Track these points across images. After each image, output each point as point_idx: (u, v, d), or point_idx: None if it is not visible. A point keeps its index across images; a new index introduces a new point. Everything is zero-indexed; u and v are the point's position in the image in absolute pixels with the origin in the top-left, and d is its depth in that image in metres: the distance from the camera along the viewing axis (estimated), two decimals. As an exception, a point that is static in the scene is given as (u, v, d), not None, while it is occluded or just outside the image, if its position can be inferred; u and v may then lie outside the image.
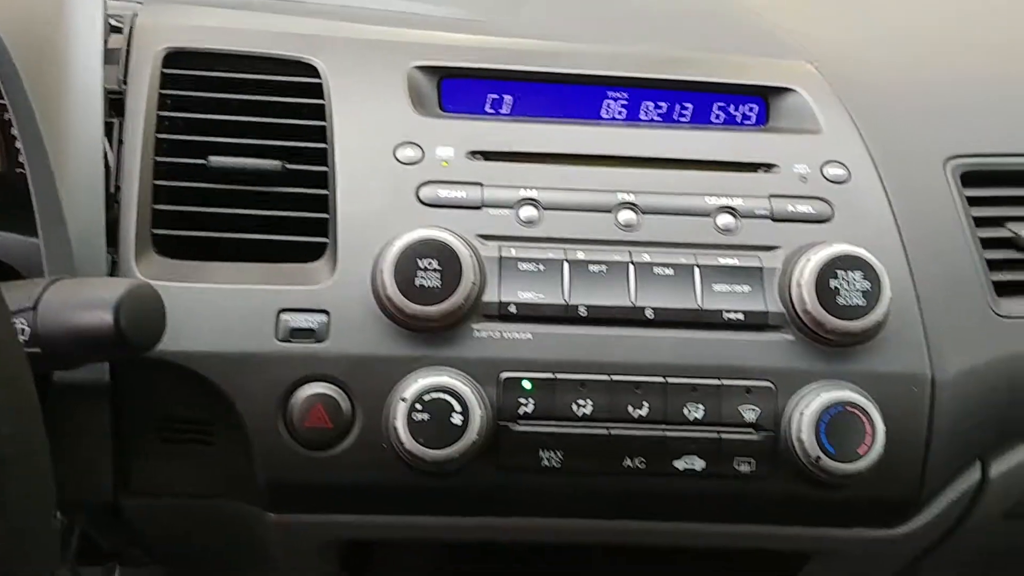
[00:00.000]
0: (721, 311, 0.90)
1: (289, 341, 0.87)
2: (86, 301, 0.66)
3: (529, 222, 0.92)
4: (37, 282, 0.68)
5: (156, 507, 0.94)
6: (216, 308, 0.88)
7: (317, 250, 0.92)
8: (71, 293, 0.67)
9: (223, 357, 0.87)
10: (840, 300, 0.88)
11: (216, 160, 0.93)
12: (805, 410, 0.87)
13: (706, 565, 1.17)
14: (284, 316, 0.88)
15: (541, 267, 0.90)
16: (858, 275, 0.88)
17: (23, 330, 0.66)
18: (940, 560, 1.04)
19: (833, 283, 0.88)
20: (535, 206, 0.93)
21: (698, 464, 0.89)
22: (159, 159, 0.93)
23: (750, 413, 0.89)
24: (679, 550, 1.14)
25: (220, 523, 0.95)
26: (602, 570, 1.14)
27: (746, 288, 0.91)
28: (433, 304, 0.86)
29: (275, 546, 0.94)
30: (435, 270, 0.86)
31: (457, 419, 0.85)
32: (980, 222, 0.99)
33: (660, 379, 0.88)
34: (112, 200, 0.90)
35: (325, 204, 0.92)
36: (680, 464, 0.89)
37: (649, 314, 0.90)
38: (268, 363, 0.87)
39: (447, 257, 0.87)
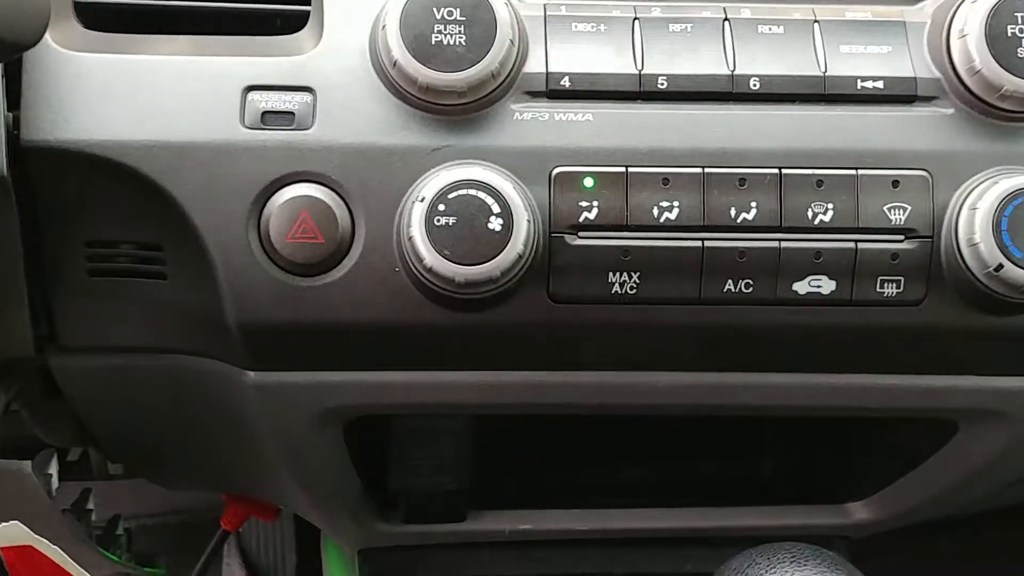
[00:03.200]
0: (853, 78, 0.66)
1: (261, 128, 0.64)
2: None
3: None
4: None
5: (93, 368, 0.70)
6: (159, 85, 0.64)
7: (295, 25, 0.68)
8: None
9: (170, 149, 0.63)
10: (1022, 52, 0.63)
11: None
12: (978, 203, 0.63)
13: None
14: (253, 96, 0.64)
15: (602, 27, 0.66)
16: (1048, 16, 0.63)
17: None
18: None
19: (1011, 30, 0.63)
20: None
21: (826, 286, 0.65)
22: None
23: (898, 213, 0.64)
24: (768, 432, 0.92)
25: (182, 391, 0.72)
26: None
27: (884, 48, 0.66)
28: (457, 71, 0.62)
29: (256, 421, 0.71)
30: (458, 21, 0.62)
31: (495, 223, 0.61)
32: None
33: (773, 170, 0.64)
34: None
35: None
36: (801, 287, 0.65)
37: (754, 84, 0.65)
38: (233, 158, 0.63)
39: (474, 5, 0.63)
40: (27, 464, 0.66)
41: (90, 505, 0.81)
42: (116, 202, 0.64)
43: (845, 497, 0.89)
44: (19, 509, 0.66)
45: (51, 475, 0.71)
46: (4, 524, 0.62)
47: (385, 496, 0.85)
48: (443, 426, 0.80)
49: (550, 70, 0.65)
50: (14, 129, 0.62)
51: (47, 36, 0.62)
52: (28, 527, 0.64)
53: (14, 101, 0.63)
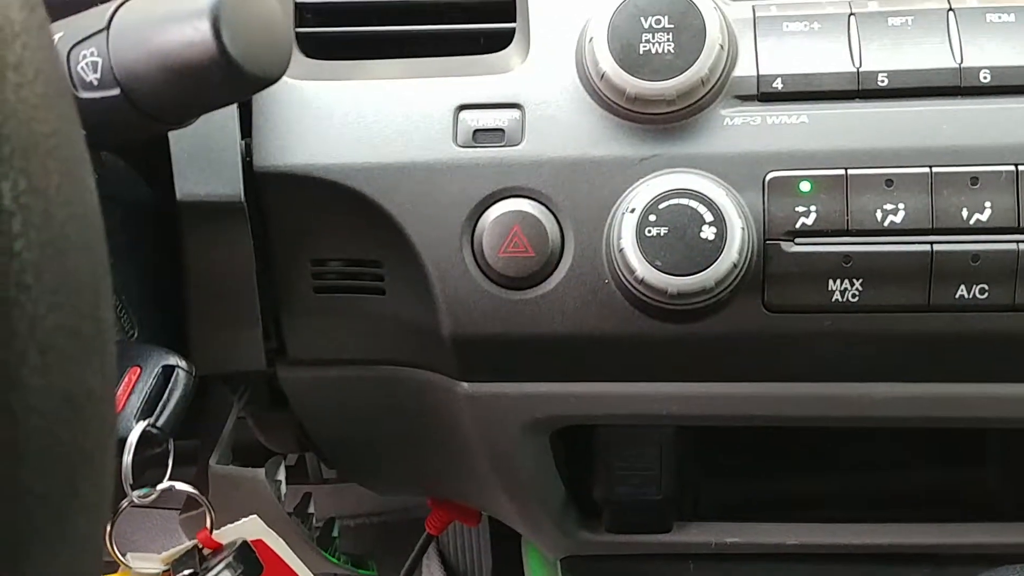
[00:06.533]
0: (1099, 65, 0.60)
1: (473, 146, 0.65)
2: (174, 12, 0.45)
3: None
4: (107, 5, 0.49)
5: (318, 380, 0.74)
6: (377, 109, 0.66)
7: (501, 43, 0.69)
8: (153, 6, 0.47)
9: (387, 169, 0.65)
10: None
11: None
12: None
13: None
14: (465, 115, 0.65)
15: (815, 25, 0.64)
16: None
17: (94, 64, 0.47)
18: None
19: None
20: None
21: (1073, 291, 0.60)
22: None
23: None
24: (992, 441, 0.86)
25: (398, 400, 0.75)
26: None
27: None
28: (667, 79, 0.61)
29: (466, 430, 0.73)
30: (666, 29, 0.62)
31: (708, 232, 0.60)
32: None
33: (1009, 167, 0.60)
34: None
35: None
36: (1044, 292, 0.60)
37: (985, 77, 0.61)
38: (447, 175, 0.65)
39: (682, 12, 0.62)
40: (261, 471, 0.71)
41: (311, 508, 0.86)
42: (339, 222, 0.67)
43: None
44: (254, 512, 0.70)
45: (280, 481, 0.75)
46: (245, 519, 0.67)
47: (590, 505, 0.85)
48: (649, 436, 0.79)
49: (761, 73, 0.63)
50: (247, 156, 0.66)
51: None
52: (262, 527, 0.68)
53: (246, 129, 0.67)
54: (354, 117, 0.66)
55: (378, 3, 0.71)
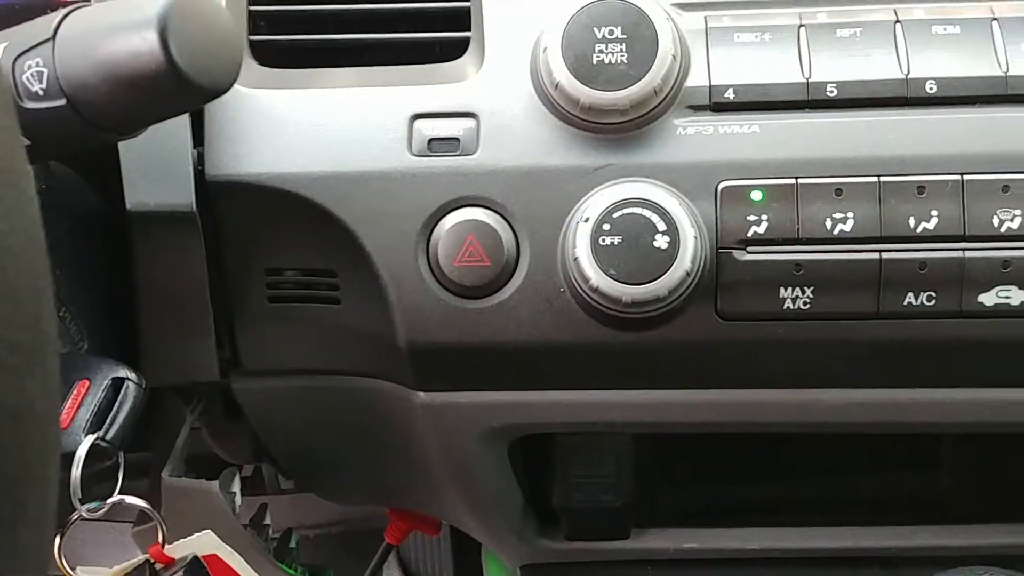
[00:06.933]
0: (1041, 76, 0.61)
1: (428, 155, 0.65)
2: (121, 22, 0.45)
3: None
4: (53, 15, 0.48)
5: (272, 390, 0.73)
6: (331, 118, 0.66)
7: (458, 49, 0.69)
8: (99, 15, 0.46)
9: (343, 179, 0.65)
10: None
11: (325, -56, 0.72)
12: None
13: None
14: (419, 124, 0.65)
15: (766, 36, 0.65)
16: None
17: (39, 75, 0.46)
18: None
19: None
20: None
21: (1016, 296, 0.61)
22: (256, -48, 0.72)
23: (1096, 217, 0.60)
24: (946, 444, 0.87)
25: (354, 410, 0.74)
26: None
27: (1073, 43, 0.62)
28: (620, 89, 0.62)
29: (424, 439, 0.72)
30: (619, 40, 0.62)
31: (661, 241, 0.60)
32: None
33: (954, 176, 0.61)
34: None
35: None
36: (988, 298, 0.62)
37: (930, 88, 0.62)
38: (402, 184, 0.65)
39: (635, 23, 0.62)
40: (215, 484, 0.70)
41: (267, 520, 0.85)
42: (293, 231, 0.67)
43: None
44: (207, 524, 0.69)
45: (234, 493, 0.75)
46: (198, 534, 0.66)
47: (548, 512, 0.86)
48: (606, 443, 0.80)
49: (713, 83, 0.64)
50: (199, 165, 0.65)
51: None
52: (215, 540, 0.67)
53: (198, 138, 0.66)
54: (308, 126, 0.66)
55: (333, 11, 0.71)
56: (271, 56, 0.70)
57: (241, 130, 0.66)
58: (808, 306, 0.62)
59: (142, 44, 0.44)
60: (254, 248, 0.68)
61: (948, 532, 0.83)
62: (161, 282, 0.66)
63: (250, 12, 0.71)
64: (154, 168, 0.64)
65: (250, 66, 0.69)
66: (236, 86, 0.66)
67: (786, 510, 0.91)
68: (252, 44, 0.70)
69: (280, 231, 0.67)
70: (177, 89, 0.45)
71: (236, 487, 0.77)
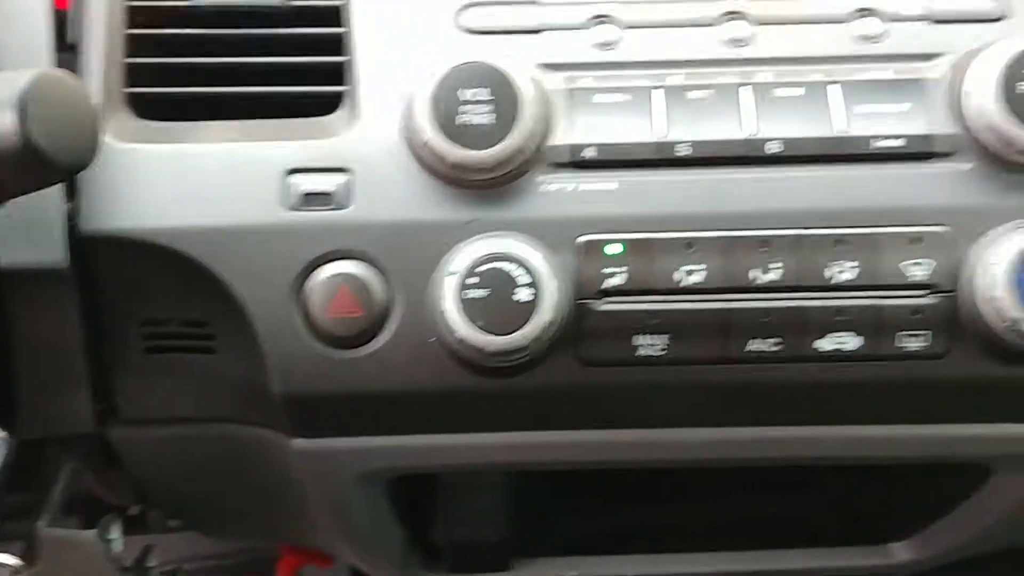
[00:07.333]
0: (870, 138, 0.67)
1: (301, 209, 0.67)
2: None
3: (606, 44, 0.70)
4: None
5: (150, 439, 0.74)
6: (205, 173, 0.68)
7: (333, 103, 0.71)
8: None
9: (216, 233, 0.67)
10: (1037, 108, 0.64)
11: (203, -1, 0.73)
12: (996, 259, 0.64)
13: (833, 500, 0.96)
14: (293, 178, 0.67)
15: (625, 97, 0.68)
16: (1062, 71, 0.64)
17: None
18: None
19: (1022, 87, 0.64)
20: (612, 24, 0.71)
21: (850, 343, 0.66)
22: (133, 4, 0.73)
23: (919, 269, 0.66)
24: (801, 472, 0.93)
25: (232, 456, 0.76)
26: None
27: (901, 107, 0.68)
28: (484, 148, 0.65)
29: (303, 483, 0.74)
30: (484, 102, 0.65)
31: (524, 294, 0.64)
32: None
33: (794, 231, 0.66)
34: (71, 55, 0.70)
35: (341, 46, 0.72)
36: (825, 344, 0.66)
37: (774, 147, 0.67)
38: (275, 238, 0.67)
39: (499, 85, 0.65)
40: (92, 533, 0.70)
41: (151, 561, 0.85)
42: (169, 283, 0.68)
43: (890, 537, 0.90)
44: (86, 572, 0.70)
45: (113, 539, 0.75)
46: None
47: (433, 546, 0.88)
48: (482, 480, 0.83)
49: (575, 141, 0.68)
50: (72, 220, 0.66)
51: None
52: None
53: (71, 192, 0.67)
54: (183, 180, 0.67)
55: (211, 64, 0.72)
56: (149, 109, 0.71)
57: (115, 184, 0.67)
58: (662, 352, 0.66)
59: (2, 125, 0.45)
60: (130, 300, 0.69)
61: (819, 554, 0.89)
62: (35, 336, 0.67)
63: (128, 64, 0.72)
64: (25, 225, 0.64)
65: (126, 119, 0.70)
66: (111, 140, 0.68)
67: (667, 535, 0.95)
68: (131, 97, 0.71)
69: (156, 283, 0.68)
70: (36, 167, 0.46)
71: (116, 533, 0.77)
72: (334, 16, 0.73)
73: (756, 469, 0.92)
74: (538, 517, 0.92)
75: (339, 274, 0.66)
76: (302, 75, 0.72)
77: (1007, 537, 0.85)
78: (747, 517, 1.00)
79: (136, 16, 0.74)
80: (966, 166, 0.67)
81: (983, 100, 0.65)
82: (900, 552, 0.88)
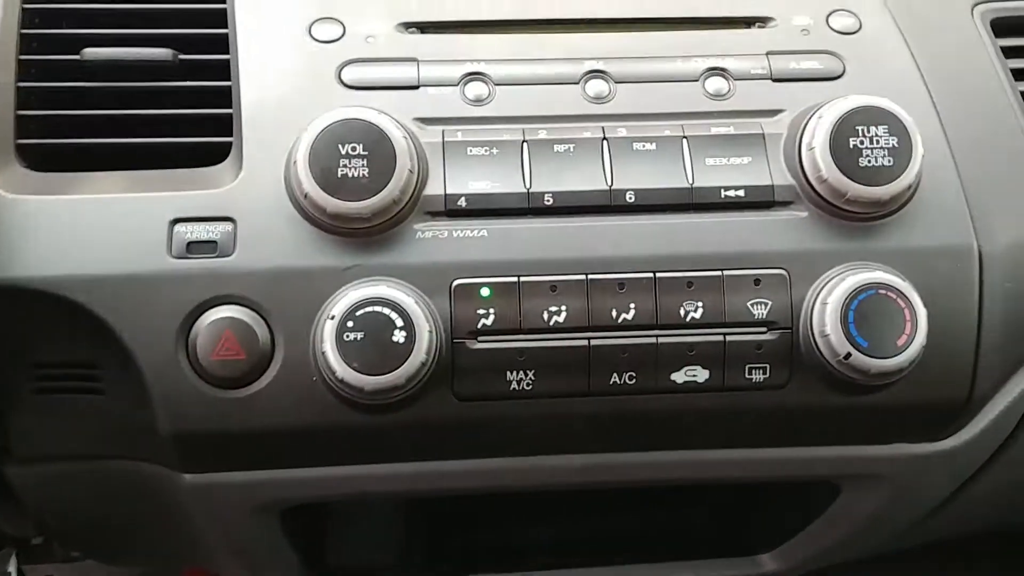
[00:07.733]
0: (717, 188, 0.73)
1: (186, 257, 0.70)
2: None
3: (478, 100, 0.75)
4: None
5: (45, 475, 0.77)
6: (94, 223, 0.71)
7: (220, 154, 0.75)
8: None
9: (104, 281, 0.70)
10: (863, 162, 0.72)
11: (92, 52, 0.76)
12: (828, 298, 0.71)
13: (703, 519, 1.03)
14: (179, 228, 0.71)
15: (494, 150, 0.74)
16: (882, 130, 0.72)
17: None
18: (985, 493, 0.87)
19: (853, 142, 0.72)
20: (484, 81, 0.76)
21: (700, 375, 0.72)
22: (24, 57, 0.76)
23: (760, 308, 0.72)
24: (677, 491, 0.99)
25: (126, 491, 0.79)
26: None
27: (745, 159, 0.74)
28: (361, 199, 0.70)
29: (196, 516, 0.77)
30: (361, 156, 0.70)
31: (399, 336, 0.68)
32: (1018, 75, 0.83)
33: (648, 274, 0.72)
34: None
35: (228, 98, 0.75)
36: (678, 377, 0.72)
37: (630, 197, 0.73)
38: (161, 285, 0.70)
39: (375, 139, 0.70)
40: (-15, 569, 0.73)
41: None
42: (59, 329, 0.71)
43: (759, 548, 0.96)
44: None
45: (9, 573, 0.77)
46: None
47: (331, 570, 0.92)
48: (377, 504, 0.87)
49: (448, 192, 0.72)
50: None
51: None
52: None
53: (-40, 243, 0.69)
54: (71, 230, 0.70)
55: (100, 115, 0.75)
56: (40, 160, 0.74)
57: (5, 235, 0.70)
58: (531, 387, 0.72)
59: None
60: (21, 345, 0.72)
61: (681, 567, 0.95)
62: None
63: (18, 116, 0.74)
64: None
65: (16, 170, 0.73)
66: (1, 191, 0.70)
67: (560, 550, 1.01)
68: (19, 147, 0.74)
69: (46, 329, 0.71)
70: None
71: (12, 567, 0.79)
72: (223, 69, 0.77)
73: (652, 487, 0.98)
74: (430, 539, 0.97)
75: (223, 318, 0.70)
76: (191, 126, 0.76)
77: (863, 547, 0.92)
78: (630, 532, 1.06)
79: (27, 68, 0.76)
80: (803, 214, 0.74)
81: (816, 154, 0.72)
82: (768, 563, 0.95)
